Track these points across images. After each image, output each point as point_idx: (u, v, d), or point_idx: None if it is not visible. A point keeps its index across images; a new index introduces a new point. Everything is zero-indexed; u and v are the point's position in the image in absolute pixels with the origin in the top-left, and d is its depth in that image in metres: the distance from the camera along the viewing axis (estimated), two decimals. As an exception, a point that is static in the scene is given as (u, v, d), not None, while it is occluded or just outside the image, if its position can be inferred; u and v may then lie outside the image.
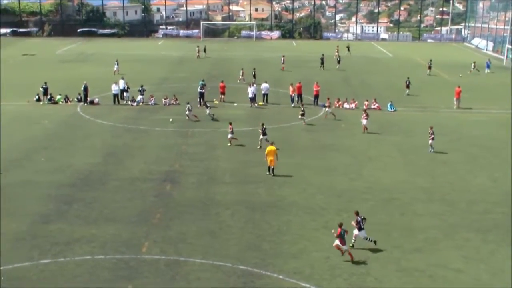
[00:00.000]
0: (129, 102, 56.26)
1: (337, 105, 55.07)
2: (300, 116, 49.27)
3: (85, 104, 55.73)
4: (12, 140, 43.91)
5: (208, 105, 51.87)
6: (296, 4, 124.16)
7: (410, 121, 50.74)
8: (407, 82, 61.85)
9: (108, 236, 28.36)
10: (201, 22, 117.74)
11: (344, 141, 44.74)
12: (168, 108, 54.32)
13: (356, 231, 27.57)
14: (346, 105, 55.47)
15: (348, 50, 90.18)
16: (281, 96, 58.90)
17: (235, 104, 55.83)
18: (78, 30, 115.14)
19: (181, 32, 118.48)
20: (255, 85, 56.70)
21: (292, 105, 55.19)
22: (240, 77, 65.79)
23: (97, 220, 30.11)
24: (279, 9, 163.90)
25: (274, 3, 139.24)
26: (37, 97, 57.00)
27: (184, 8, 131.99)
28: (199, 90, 55.53)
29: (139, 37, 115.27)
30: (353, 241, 27.63)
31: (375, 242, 27.55)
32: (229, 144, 42.79)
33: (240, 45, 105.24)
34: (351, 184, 35.73)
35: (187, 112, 49.84)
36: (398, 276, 25.07)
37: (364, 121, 46.54)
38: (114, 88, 56.43)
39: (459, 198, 33.63)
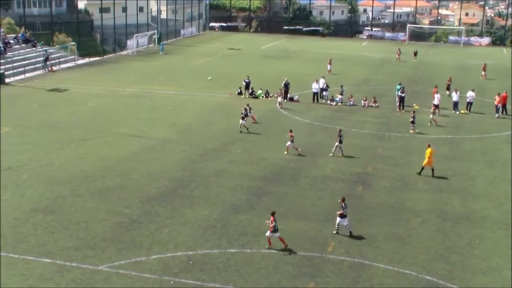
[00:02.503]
0: (328, 101, 56.34)
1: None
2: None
3: (285, 100, 56.55)
4: (211, 130, 45.64)
5: (245, 114, 45.90)
6: (510, 9, 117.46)
7: None
8: None
9: (295, 232, 28.50)
10: (408, 25, 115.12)
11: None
12: (367, 110, 53.74)
13: (339, 219, 28.32)
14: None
15: None
16: (485, 105, 56.15)
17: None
18: (284, 28, 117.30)
19: (386, 34, 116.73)
20: (458, 92, 54.46)
21: (496, 115, 52.46)
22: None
23: (286, 215, 30.33)
24: (492, 15, 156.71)
25: (486, 8, 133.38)
26: (239, 90, 58.76)
27: (391, 10, 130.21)
28: (399, 93, 54.31)
29: (343, 37, 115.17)
30: (336, 228, 28.44)
31: (350, 232, 28.29)
32: (286, 152, 40.48)
33: (446, 50, 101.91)
34: (555, 203, 33.23)
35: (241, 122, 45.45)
36: None
37: None
38: (314, 87, 56.82)
39: None
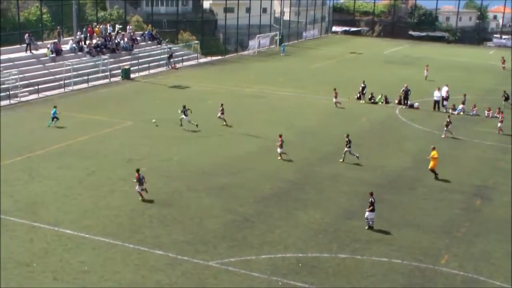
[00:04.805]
0: (449, 110, 54.83)
1: None
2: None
3: (405, 107, 55.56)
4: (328, 134, 45.45)
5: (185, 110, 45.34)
6: None
7: None
8: None
9: (407, 241, 27.92)
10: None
11: None
12: (490, 121, 51.82)
13: (367, 213, 28.81)
14: None
15: None
16: None
17: None
18: (408, 33, 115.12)
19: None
20: None
21: None
22: None
23: (399, 224, 29.79)
24: None
25: None
26: (358, 95, 58.14)
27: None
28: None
29: (469, 44, 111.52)
30: (370, 223, 28.90)
31: (371, 227, 28.87)
32: (279, 158, 38.99)
33: None
34: None
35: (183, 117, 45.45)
36: None
37: None
38: (436, 95, 55.41)
39: None
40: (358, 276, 24.62)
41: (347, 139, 38.82)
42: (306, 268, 24.99)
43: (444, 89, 56.14)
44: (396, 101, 56.72)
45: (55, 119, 44.60)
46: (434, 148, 37.17)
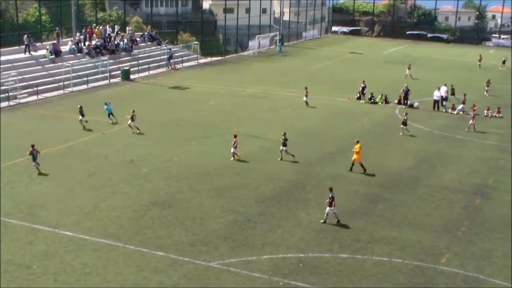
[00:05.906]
0: (449, 110, 54.85)
1: None
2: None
3: (404, 107, 55.57)
4: (329, 134, 45.45)
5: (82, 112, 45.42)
6: None
7: None
8: None
9: (408, 241, 27.97)
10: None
11: None
12: (490, 120, 51.91)
13: (327, 208, 29.23)
14: None
15: None
16: None
17: None
18: (407, 33, 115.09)
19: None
20: None
21: None
22: None
23: (400, 223, 29.84)
24: None
25: None
26: (358, 95, 58.19)
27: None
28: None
29: (469, 44, 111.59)
30: (325, 217, 29.37)
31: (338, 221, 29.39)
32: (232, 158, 38.87)
33: None
34: None
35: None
36: None
37: None
38: (436, 94, 55.45)
39: None
40: (359, 275, 24.67)
41: (283, 137, 38.84)
42: (308, 268, 25.02)
43: (443, 89, 56.16)
44: (396, 101, 56.79)
45: (111, 115, 46.47)
46: (358, 142, 37.38)
